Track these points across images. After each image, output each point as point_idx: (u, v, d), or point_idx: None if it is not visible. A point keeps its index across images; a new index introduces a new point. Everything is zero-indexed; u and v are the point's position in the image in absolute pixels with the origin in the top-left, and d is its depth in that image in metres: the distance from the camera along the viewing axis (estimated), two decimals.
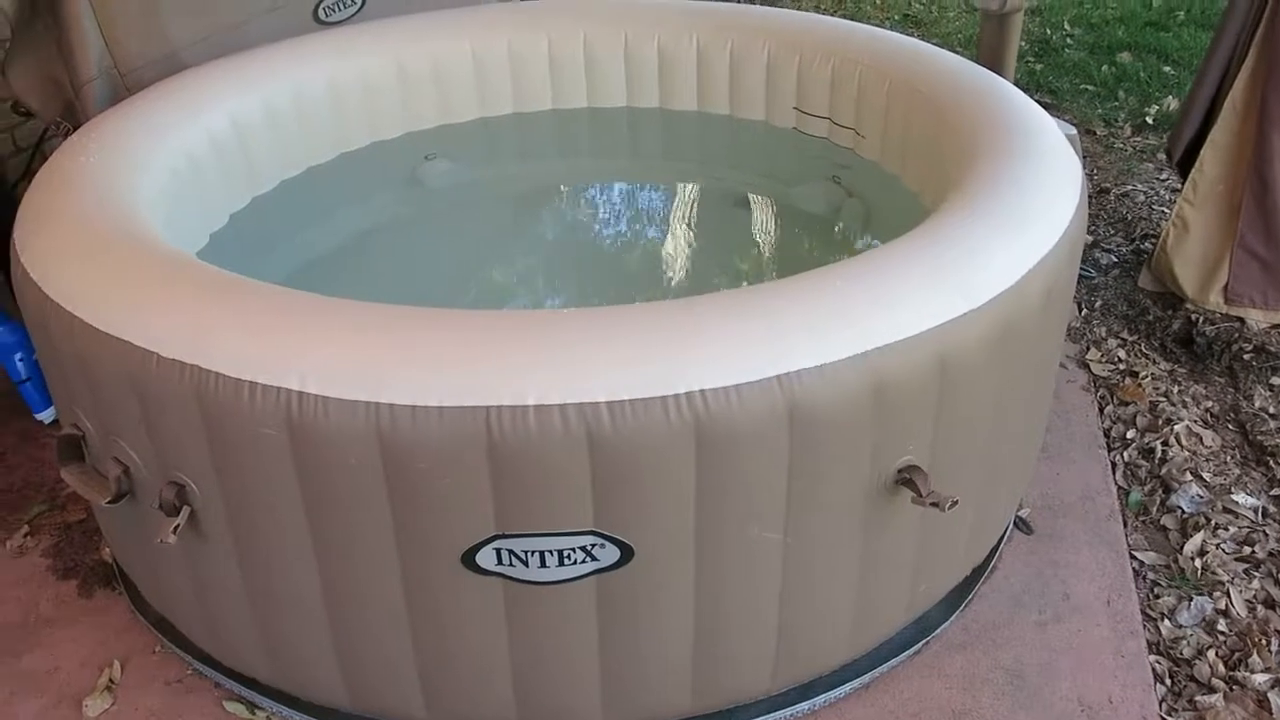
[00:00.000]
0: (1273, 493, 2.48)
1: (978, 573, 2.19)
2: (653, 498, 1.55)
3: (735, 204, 3.14)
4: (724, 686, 1.83)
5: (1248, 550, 2.32)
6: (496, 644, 1.69)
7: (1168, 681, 2.04)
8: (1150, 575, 2.27)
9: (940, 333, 1.62)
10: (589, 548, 1.57)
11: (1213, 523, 2.39)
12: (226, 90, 2.64)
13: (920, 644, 2.07)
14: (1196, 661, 2.07)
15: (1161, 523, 2.41)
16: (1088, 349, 3.01)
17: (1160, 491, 2.49)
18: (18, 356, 2.67)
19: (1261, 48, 2.82)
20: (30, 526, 2.43)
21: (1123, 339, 3.05)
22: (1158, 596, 2.22)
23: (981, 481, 1.93)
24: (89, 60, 2.66)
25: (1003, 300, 1.70)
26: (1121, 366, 2.94)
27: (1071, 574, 2.25)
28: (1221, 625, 2.15)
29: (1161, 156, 4.15)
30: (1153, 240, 3.48)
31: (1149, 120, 4.50)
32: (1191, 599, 2.20)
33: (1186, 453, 2.60)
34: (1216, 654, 2.09)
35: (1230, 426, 2.71)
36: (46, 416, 2.75)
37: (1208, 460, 2.58)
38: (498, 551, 1.57)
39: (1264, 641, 2.11)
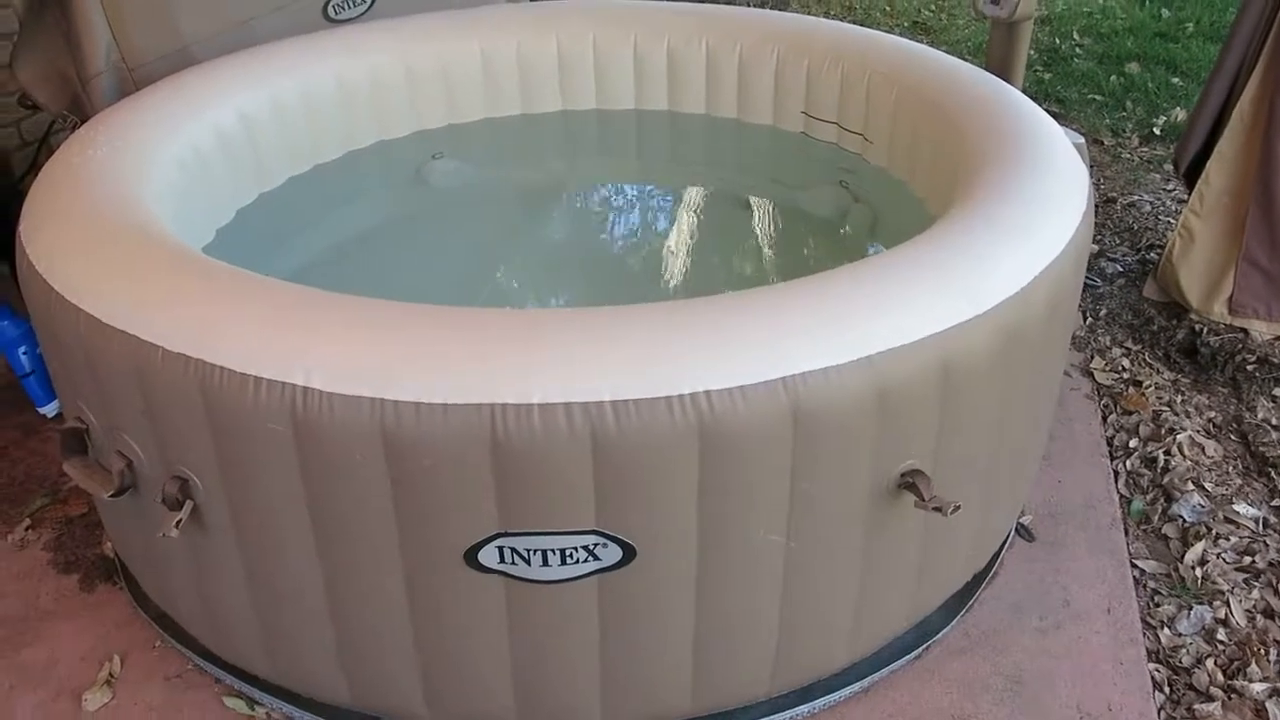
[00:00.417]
0: (1274, 503, 2.48)
1: (979, 578, 2.19)
2: (656, 498, 1.55)
3: (741, 207, 3.15)
4: (724, 688, 1.83)
5: (1248, 560, 2.32)
6: (497, 642, 1.69)
7: (1166, 690, 2.04)
8: (1151, 584, 2.27)
9: (945, 338, 1.62)
10: (591, 547, 1.57)
11: (1214, 532, 2.39)
12: (235, 86, 2.64)
13: (920, 649, 2.07)
14: (1195, 670, 2.07)
15: (1163, 531, 2.41)
16: (1092, 357, 3.01)
17: (1162, 500, 2.49)
18: (21, 350, 2.67)
19: (1269, 61, 2.82)
20: (32, 520, 2.43)
21: (1127, 348, 3.05)
22: (1158, 605, 2.22)
23: (984, 487, 1.93)
24: (97, 54, 2.66)
25: (1008, 307, 1.70)
26: (1125, 375, 2.93)
27: (1072, 581, 2.25)
28: (1221, 634, 2.15)
29: (1168, 167, 4.15)
30: (1158, 250, 3.48)
31: (1156, 131, 4.50)
32: (1191, 608, 2.20)
33: (1189, 462, 2.60)
34: (1215, 663, 2.08)
35: (1233, 437, 2.71)
36: (49, 410, 2.75)
37: (1210, 470, 2.58)
38: (500, 550, 1.57)
39: (1263, 651, 2.11)
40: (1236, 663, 2.09)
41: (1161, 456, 2.61)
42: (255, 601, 1.79)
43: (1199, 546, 2.34)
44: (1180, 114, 4.59)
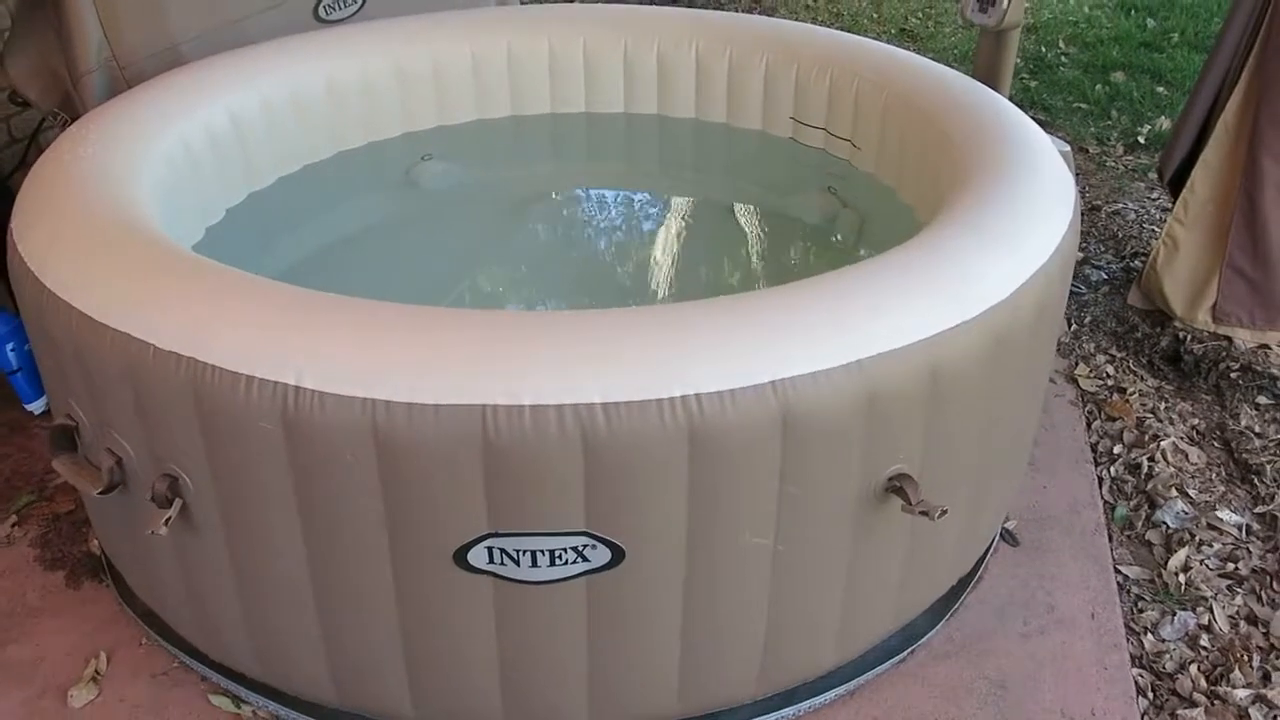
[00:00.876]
0: (1257, 510, 2.50)
1: (964, 583, 2.20)
2: (645, 500, 1.56)
3: (730, 212, 3.16)
4: (710, 690, 1.84)
5: (1231, 566, 2.34)
6: (485, 642, 1.69)
7: (1150, 695, 2.05)
8: (1134, 589, 2.29)
9: (933, 343, 1.63)
10: (580, 548, 1.58)
11: (1197, 539, 2.41)
12: (226, 86, 2.64)
13: (905, 652, 2.08)
14: (1179, 676, 2.09)
15: (1146, 538, 2.43)
16: (1076, 364, 3.03)
17: (1146, 507, 2.51)
18: (9, 347, 2.66)
19: (1254, 71, 2.85)
20: (18, 516, 2.42)
21: (1111, 355, 3.08)
22: (1141, 611, 2.24)
23: (970, 492, 1.95)
24: (88, 52, 2.66)
25: (995, 312, 1.72)
26: (1109, 382, 2.96)
27: (1057, 586, 2.27)
28: (1204, 640, 2.17)
29: (1153, 176, 4.19)
30: (1143, 258, 3.51)
31: (1141, 140, 4.53)
32: (1175, 614, 2.22)
33: (1172, 469, 2.62)
34: (1199, 669, 2.10)
35: (1216, 444, 2.73)
36: (37, 407, 2.74)
37: (1193, 477, 2.60)
38: (489, 550, 1.58)
39: (1246, 657, 2.13)
40: (1220, 668, 2.11)
41: (1145, 463, 2.63)
42: (243, 600, 1.79)
43: (1182, 553, 2.37)
44: (1165, 123, 4.63)
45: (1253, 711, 2.01)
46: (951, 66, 2.79)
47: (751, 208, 3.13)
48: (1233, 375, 2.92)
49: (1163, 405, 2.86)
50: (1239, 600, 2.26)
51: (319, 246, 2.82)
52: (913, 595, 2.00)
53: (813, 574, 1.75)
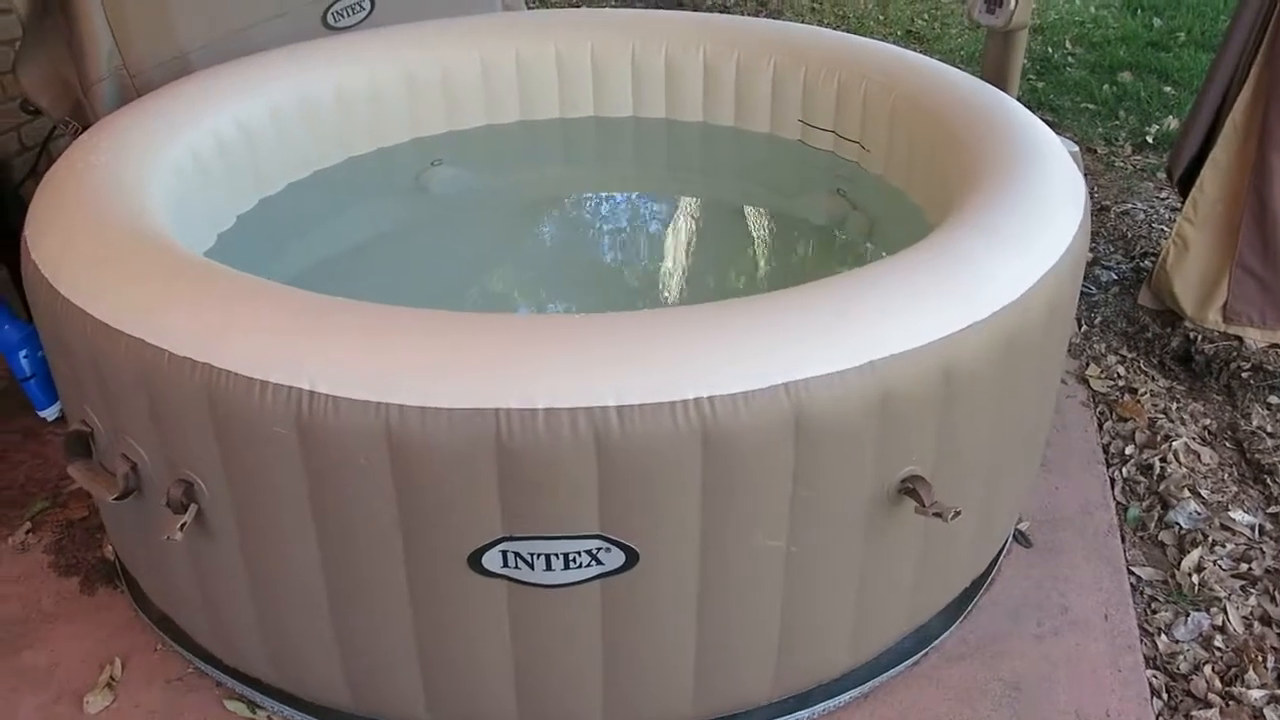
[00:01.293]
0: (1270, 510, 2.50)
1: (977, 584, 2.20)
2: (659, 503, 1.56)
3: (739, 214, 3.16)
4: (725, 693, 1.84)
5: (1244, 567, 2.34)
6: (500, 646, 1.70)
7: (1164, 696, 2.05)
8: (1148, 590, 2.29)
9: (945, 344, 1.63)
10: (595, 551, 1.58)
11: (1210, 539, 2.40)
12: (235, 93, 2.65)
13: (919, 654, 2.08)
14: (1193, 677, 2.08)
15: (1159, 538, 2.43)
16: (1087, 365, 3.03)
17: (1158, 507, 2.51)
18: (22, 354, 2.68)
19: (1263, 69, 2.84)
20: (33, 523, 2.43)
21: (1122, 356, 3.07)
22: (1155, 612, 2.23)
23: (983, 493, 1.94)
24: (99, 60, 2.67)
25: (1007, 313, 1.71)
26: (1121, 383, 2.95)
27: (1070, 588, 2.26)
28: (1218, 641, 2.16)
29: (1161, 175, 4.18)
30: (1152, 258, 3.51)
31: (1149, 139, 4.53)
32: (1188, 614, 2.22)
33: (1185, 469, 2.62)
34: (1213, 669, 2.10)
35: (1228, 444, 2.72)
36: (49, 414, 2.76)
37: (1205, 477, 2.60)
38: (504, 554, 1.58)
39: (1260, 658, 2.12)
40: (1234, 669, 2.10)
41: (1157, 464, 2.63)
42: (258, 604, 1.79)
43: (1195, 553, 2.36)
44: (1173, 122, 4.62)
45: (1268, 712, 2.00)
46: (958, 68, 2.80)
47: (760, 210, 3.14)
48: (1244, 375, 2.92)
49: (1174, 406, 2.85)
50: (1253, 601, 2.25)
51: (330, 253, 2.83)
52: (926, 597, 2.00)
53: (826, 576, 1.75)
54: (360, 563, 1.65)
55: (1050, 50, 5.62)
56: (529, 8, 3.65)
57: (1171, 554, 2.38)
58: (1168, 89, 5.04)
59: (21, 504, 2.50)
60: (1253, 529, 2.44)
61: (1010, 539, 2.36)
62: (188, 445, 1.65)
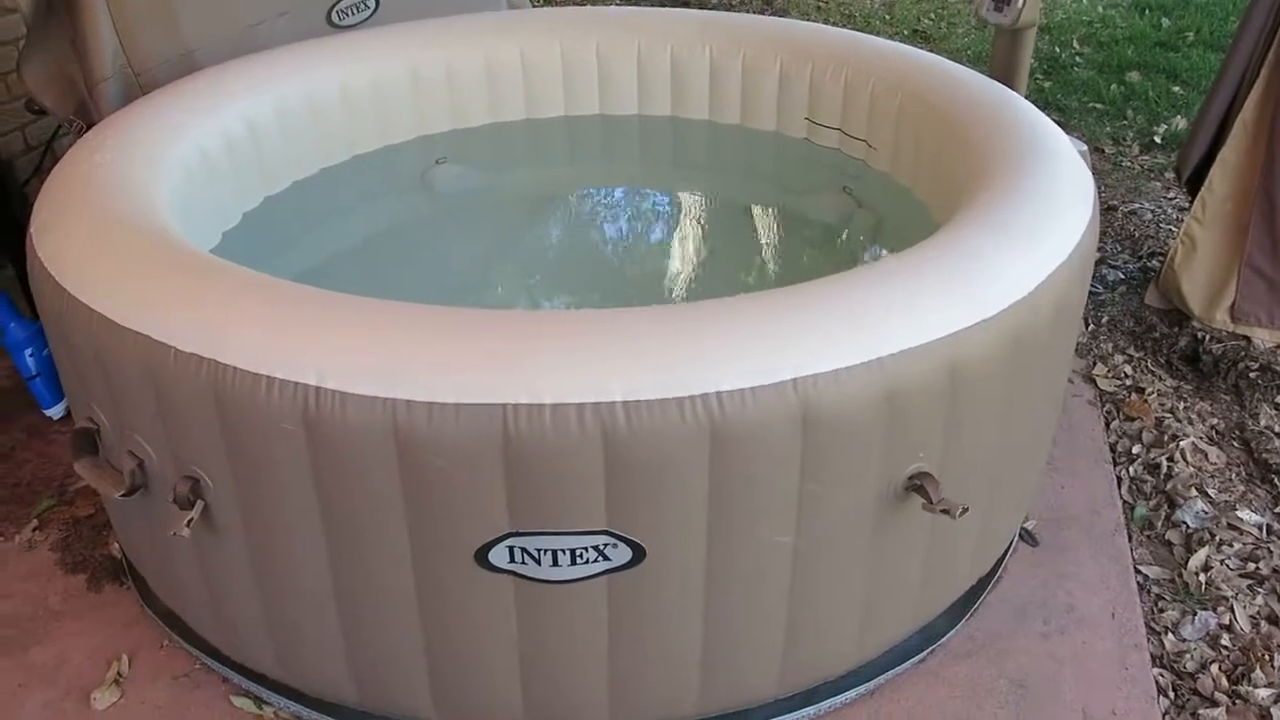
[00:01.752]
0: (1277, 510, 2.49)
1: (983, 583, 2.19)
2: (666, 499, 1.55)
3: (745, 213, 3.16)
4: (731, 689, 1.84)
5: (1252, 566, 2.33)
6: (506, 642, 1.70)
7: (1171, 695, 2.04)
8: (1155, 589, 2.28)
9: (953, 342, 1.63)
10: (601, 547, 1.58)
11: (1217, 538, 2.40)
12: (240, 91, 2.65)
13: (925, 652, 2.07)
14: (1200, 675, 2.08)
15: (1166, 538, 2.42)
16: (1094, 364, 3.02)
17: (1165, 507, 2.50)
18: (28, 352, 2.68)
19: (1274, 69, 2.84)
20: (39, 521, 2.44)
21: (1129, 355, 3.07)
22: (1162, 610, 2.23)
23: (989, 491, 1.94)
24: (104, 59, 2.67)
25: (1015, 311, 1.71)
26: (1128, 382, 2.95)
27: (1077, 586, 2.26)
28: (1225, 640, 2.15)
29: (1169, 175, 4.17)
30: (1160, 258, 3.50)
31: (1157, 139, 4.52)
32: (1195, 613, 2.21)
33: (1192, 469, 2.61)
34: (1220, 668, 2.09)
35: (1235, 444, 2.72)
36: (55, 412, 2.76)
37: (1213, 477, 2.59)
38: (510, 549, 1.58)
39: (1267, 657, 2.11)
40: (1241, 668, 2.09)
41: (1164, 463, 2.62)
42: (264, 601, 1.79)
43: (1202, 553, 2.35)
44: (1181, 122, 4.61)
45: (1275, 711, 2.00)
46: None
47: (767, 208, 3.14)
48: (1252, 375, 2.91)
49: (1181, 405, 2.85)
50: (1260, 600, 2.24)
51: (335, 250, 2.83)
52: (932, 594, 2.00)
53: (833, 572, 1.75)
54: (367, 558, 1.65)
55: (1058, 50, 5.61)
56: (534, 5, 3.65)
57: (1179, 553, 2.38)
58: (1176, 89, 5.03)
59: (28, 502, 2.50)
60: (1260, 528, 2.43)
61: (1017, 537, 2.35)
62: (194, 442, 1.65)
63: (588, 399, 1.46)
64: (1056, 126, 2.31)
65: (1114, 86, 5.06)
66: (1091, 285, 3.33)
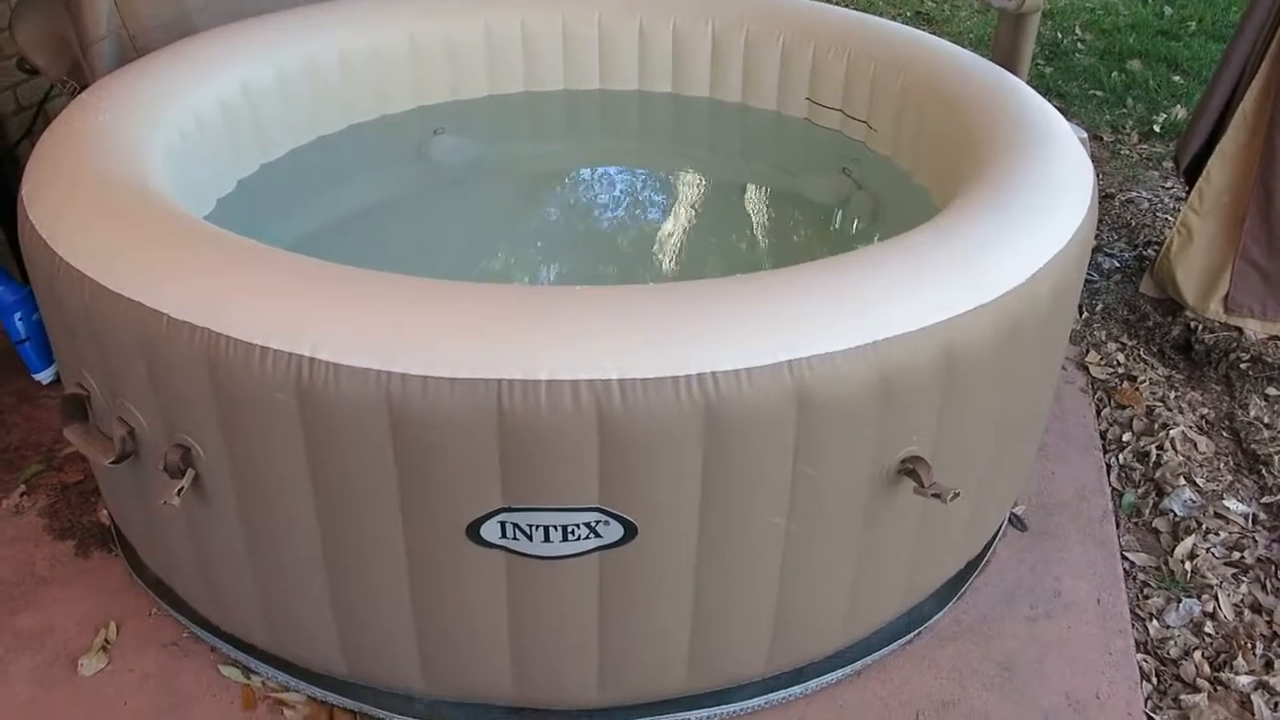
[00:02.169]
0: (1263, 500, 2.50)
1: (971, 566, 2.20)
2: (659, 477, 1.55)
3: (744, 192, 3.15)
4: (719, 667, 1.85)
5: (1237, 555, 2.34)
6: (497, 617, 1.70)
7: (1154, 680, 2.06)
8: (1140, 576, 2.29)
9: (949, 326, 1.62)
10: (593, 524, 1.58)
11: (1204, 527, 2.41)
12: (238, 56, 2.63)
13: (912, 634, 2.08)
14: (1183, 661, 2.09)
15: (1153, 525, 2.43)
16: (1087, 351, 3.03)
17: (1153, 494, 2.51)
18: (17, 316, 2.66)
19: (1275, 60, 2.83)
20: (27, 486, 2.43)
21: (1122, 343, 3.07)
22: (1147, 597, 2.24)
23: (981, 476, 1.94)
24: (98, 19, 2.63)
25: (1012, 297, 1.71)
26: (1120, 370, 2.95)
27: (1064, 571, 2.27)
28: (1209, 627, 2.17)
29: (1167, 164, 4.17)
30: (1155, 247, 3.50)
31: (1156, 128, 4.51)
32: (1180, 601, 2.22)
33: (1181, 458, 2.62)
34: (1202, 655, 2.11)
35: (1224, 434, 2.73)
36: (44, 377, 2.74)
37: (1201, 466, 2.60)
38: (502, 525, 1.58)
39: (1249, 645, 2.13)
40: (1223, 655, 2.11)
41: (1154, 451, 2.63)
42: (254, 571, 1.79)
43: (1189, 541, 2.37)
44: (1181, 112, 4.60)
45: (1254, 698, 2.01)
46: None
47: (766, 188, 3.12)
48: (1243, 366, 2.92)
49: (1172, 394, 2.86)
50: (1244, 589, 2.26)
51: (330, 220, 2.81)
52: (922, 577, 2.01)
53: (824, 554, 1.76)
54: (358, 531, 1.65)
55: (1060, 36, 5.59)
56: None
57: (1165, 541, 2.39)
58: (1176, 78, 5.02)
59: (16, 467, 2.49)
60: (1246, 518, 2.44)
61: (1006, 522, 2.36)
62: (186, 410, 1.64)
63: (583, 376, 1.46)
64: (1057, 113, 2.30)
65: (1115, 74, 5.05)
66: (1087, 273, 3.33)
